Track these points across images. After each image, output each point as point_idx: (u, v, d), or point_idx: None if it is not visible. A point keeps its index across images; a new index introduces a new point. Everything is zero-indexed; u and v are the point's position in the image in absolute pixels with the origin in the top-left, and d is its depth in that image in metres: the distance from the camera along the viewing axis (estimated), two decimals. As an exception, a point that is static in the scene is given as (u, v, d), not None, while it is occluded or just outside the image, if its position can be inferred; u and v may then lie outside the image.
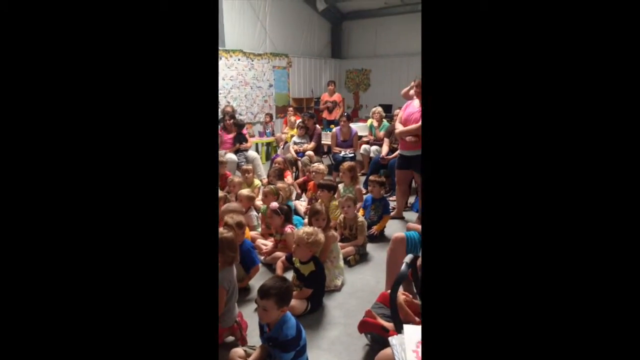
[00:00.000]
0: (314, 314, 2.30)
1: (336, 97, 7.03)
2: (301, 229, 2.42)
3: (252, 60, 7.41)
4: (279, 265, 2.67)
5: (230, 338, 2.07)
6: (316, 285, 2.33)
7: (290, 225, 2.88)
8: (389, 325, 1.79)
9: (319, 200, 3.30)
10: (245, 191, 3.30)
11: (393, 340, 1.51)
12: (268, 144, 6.90)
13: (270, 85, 7.91)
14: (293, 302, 2.15)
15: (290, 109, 7.05)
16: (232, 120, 5.27)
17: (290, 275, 2.45)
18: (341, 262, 2.71)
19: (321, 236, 2.34)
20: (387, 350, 1.54)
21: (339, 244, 2.82)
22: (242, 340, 2.03)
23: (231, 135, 5.22)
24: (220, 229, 2.19)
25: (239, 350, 1.80)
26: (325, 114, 7.03)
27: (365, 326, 1.90)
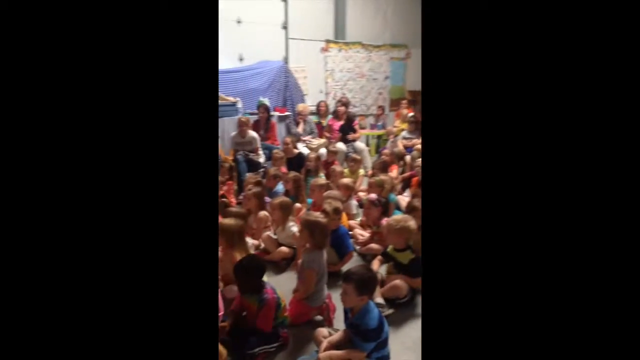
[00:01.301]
0: (403, 312, 2.25)
1: (455, 90, 6.58)
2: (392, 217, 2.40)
3: (370, 52, 7.42)
4: (375, 262, 2.66)
5: (319, 317, 2.18)
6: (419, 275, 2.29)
7: (387, 218, 2.85)
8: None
9: (419, 197, 3.17)
10: (345, 180, 3.38)
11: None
12: (378, 137, 6.87)
13: (386, 77, 7.82)
14: (398, 282, 2.22)
15: (404, 101, 6.86)
16: (344, 107, 5.39)
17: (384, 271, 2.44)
18: (437, 263, 2.57)
19: (411, 223, 2.28)
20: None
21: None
22: (328, 322, 2.12)
23: (340, 123, 5.35)
24: (316, 213, 2.30)
25: (323, 330, 1.88)
26: (441, 108, 6.66)
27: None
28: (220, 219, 2.42)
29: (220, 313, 2.03)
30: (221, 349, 1.24)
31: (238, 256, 2.18)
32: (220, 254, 2.47)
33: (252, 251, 2.47)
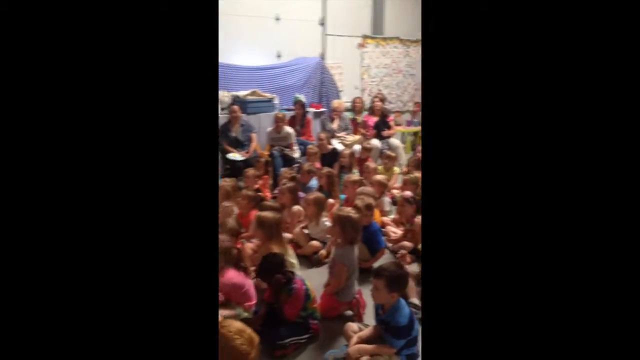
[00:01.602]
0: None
1: (497, 85, 6.33)
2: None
3: (408, 47, 7.28)
4: (406, 258, 2.64)
5: (349, 312, 2.20)
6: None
7: (420, 216, 2.81)
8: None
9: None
10: (379, 177, 3.36)
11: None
12: (414, 134, 6.75)
13: (424, 73, 7.66)
14: None
15: (442, 98, 6.67)
16: (380, 103, 5.34)
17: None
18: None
19: None
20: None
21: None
22: (358, 317, 2.14)
23: (375, 119, 5.30)
24: (348, 209, 2.31)
25: (353, 325, 1.90)
26: (481, 105, 6.43)
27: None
28: (259, 212, 2.49)
29: (253, 302, 2.11)
30: (254, 336, 1.29)
31: (275, 248, 2.24)
32: (257, 245, 2.55)
33: (287, 244, 2.53)
